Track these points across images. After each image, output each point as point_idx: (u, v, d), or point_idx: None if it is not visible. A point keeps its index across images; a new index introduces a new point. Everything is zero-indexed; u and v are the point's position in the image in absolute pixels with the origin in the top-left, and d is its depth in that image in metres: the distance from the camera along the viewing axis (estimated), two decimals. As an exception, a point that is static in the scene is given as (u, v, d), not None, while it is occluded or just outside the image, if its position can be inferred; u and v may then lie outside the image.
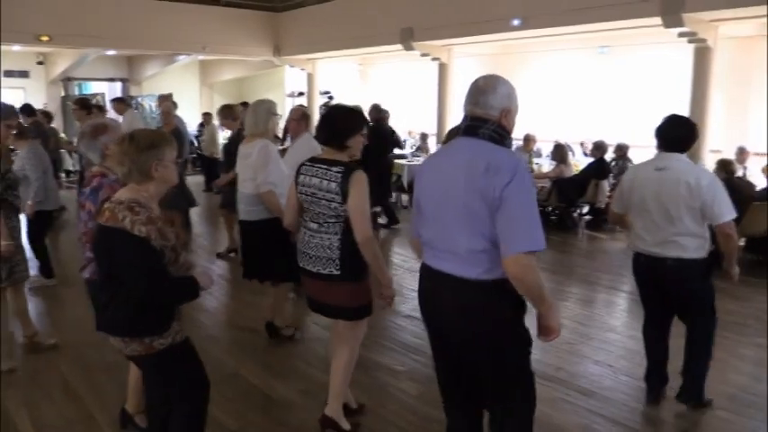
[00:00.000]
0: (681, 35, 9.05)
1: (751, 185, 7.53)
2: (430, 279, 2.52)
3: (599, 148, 9.27)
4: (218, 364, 4.16)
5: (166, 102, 8.75)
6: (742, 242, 7.54)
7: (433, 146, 12.72)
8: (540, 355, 4.72)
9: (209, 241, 8.65)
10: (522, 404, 2.52)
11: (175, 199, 7.12)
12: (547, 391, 4.08)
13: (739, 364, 4.64)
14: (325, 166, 3.20)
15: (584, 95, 12.35)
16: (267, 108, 4.67)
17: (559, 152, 9.55)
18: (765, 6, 7.91)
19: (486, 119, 2.38)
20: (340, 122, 3.27)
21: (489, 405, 2.58)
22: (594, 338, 5.07)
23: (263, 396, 4.06)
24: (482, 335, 2.37)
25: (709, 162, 9.22)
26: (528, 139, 10.31)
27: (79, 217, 3.28)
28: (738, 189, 7.24)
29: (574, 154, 10.84)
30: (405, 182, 10.52)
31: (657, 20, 8.79)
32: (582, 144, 11.27)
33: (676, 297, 3.71)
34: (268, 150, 4.48)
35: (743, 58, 10.35)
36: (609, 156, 9.53)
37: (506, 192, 2.20)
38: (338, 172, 3.14)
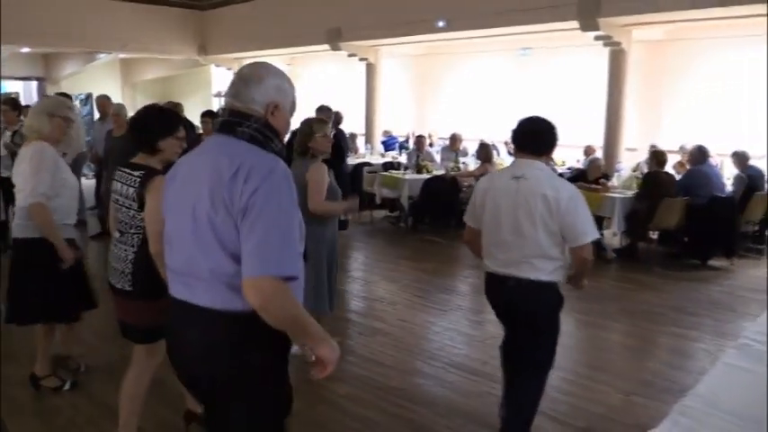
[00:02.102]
0: (597, 38, 9.44)
1: (673, 180, 7.80)
2: (174, 312, 2.05)
3: (522, 147, 9.52)
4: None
5: (117, 103, 8.23)
6: (655, 236, 7.94)
7: (361, 146, 12.77)
8: (466, 350, 4.85)
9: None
10: None
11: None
12: (473, 384, 4.19)
13: (656, 352, 4.90)
14: (128, 171, 2.95)
15: (508, 96, 12.64)
16: (47, 106, 3.84)
17: (484, 151, 9.73)
18: (674, 12, 8.38)
19: (248, 114, 1.97)
20: (149, 124, 2.99)
21: None
22: (520, 332, 5.21)
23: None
24: (232, 381, 1.96)
25: (626, 160, 9.69)
26: (454, 139, 10.50)
27: None
28: (661, 183, 7.57)
29: (499, 153, 11.08)
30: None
31: (575, 23, 9.13)
32: (507, 143, 11.52)
33: (523, 325, 3.25)
34: (42, 155, 3.65)
35: (654, 60, 10.88)
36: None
37: (252, 199, 1.80)
38: (138, 176, 2.87)
